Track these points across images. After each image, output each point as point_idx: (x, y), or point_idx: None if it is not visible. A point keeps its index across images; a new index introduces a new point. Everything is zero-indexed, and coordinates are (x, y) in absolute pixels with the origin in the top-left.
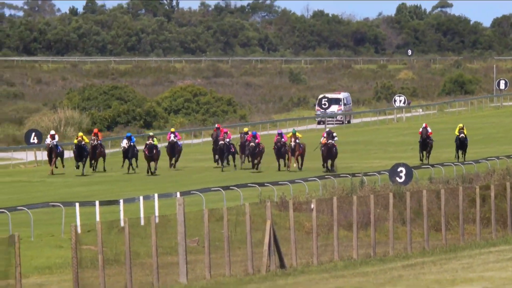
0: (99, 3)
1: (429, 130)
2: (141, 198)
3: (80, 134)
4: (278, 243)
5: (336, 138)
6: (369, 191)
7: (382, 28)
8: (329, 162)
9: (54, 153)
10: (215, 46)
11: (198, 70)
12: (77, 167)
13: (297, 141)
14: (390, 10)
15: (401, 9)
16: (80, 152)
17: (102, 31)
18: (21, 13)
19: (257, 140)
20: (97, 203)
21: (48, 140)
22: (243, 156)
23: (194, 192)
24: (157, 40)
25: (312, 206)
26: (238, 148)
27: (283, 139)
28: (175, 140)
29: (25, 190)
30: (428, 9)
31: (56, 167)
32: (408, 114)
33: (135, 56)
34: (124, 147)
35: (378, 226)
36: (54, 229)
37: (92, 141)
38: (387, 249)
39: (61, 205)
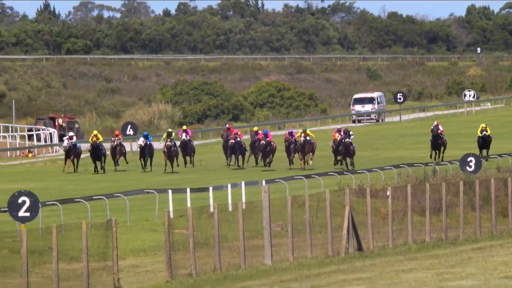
0: (191, 4)
1: (441, 128)
2: (229, 185)
3: (95, 132)
4: (356, 227)
5: (352, 137)
6: (441, 179)
7: (453, 27)
8: (348, 160)
9: (73, 153)
10: (298, 44)
11: (282, 67)
12: (95, 168)
13: (307, 138)
14: (460, 11)
15: (470, 10)
16: (96, 152)
17: (193, 31)
18: (118, 15)
19: (268, 139)
20: (188, 190)
21: (66, 142)
22: (253, 155)
23: (278, 180)
24: (244, 39)
25: (388, 193)
26: (248, 148)
27: (292, 138)
28: (187, 138)
29: (121, 178)
30: (496, 10)
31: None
32: (477, 108)
33: (223, 54)
34: (140, 144)
35: (449, 211)
36: (148, 214)
37: (112, 142)
38: (458, 233)
39: (155, 192)
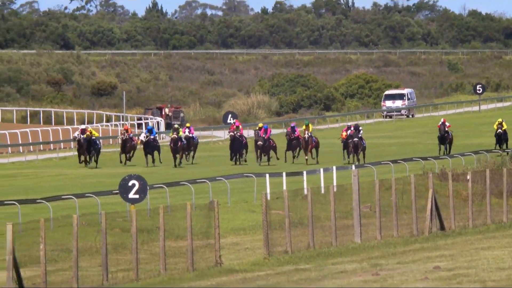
0: (287, 3)
1: (447, 124)
2: (321, 170)
3: (90, 129)
4: (438, 208)
5: (361, 132)
6: None
7: None
8: (360, 154)
9: (85, 146)
10: (385, 40)
11: (370, 60)
12: (86, 161)
13: (310, 133)
14: None
15: None
16: (89, 146)
17: (288, 27)
18: (220, 13)
19: (266, 135)
20: (284, 174)
21: (77, 134)
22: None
23: (366, 165)
24: (335, 35)
25: (468, 177)
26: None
27: (295, 133)
28: (190, 135)
29: (223, 162)
30: None
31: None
32: None
33: (316, 49)
34: (141, 140)
35: None
36: (247, 196)
37: (122, 136)
38: None
39: (253, 176)
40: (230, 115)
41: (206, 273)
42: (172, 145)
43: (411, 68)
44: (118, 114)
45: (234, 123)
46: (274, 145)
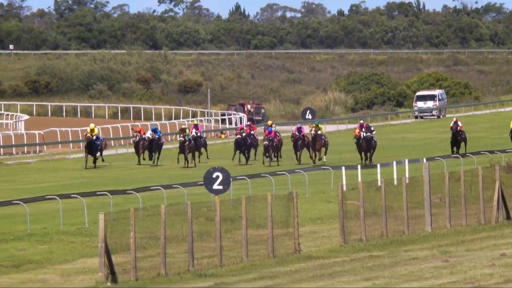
0: (362, 6)
1: (460, 124)
2: (394, 163)
3: (92, 127)
4: (505, 199)
5: (374, 132)
6: None
7: None
8: (368, 154)
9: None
10: (454, 40)
11: (440, 60)
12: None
13: (319, 132)
14: None
15: None
16: (90, 146)
17: (363, 28)
18: (299, 15)
19: (271, 135)
20: (359, 167)
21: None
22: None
23: (437, 158)
24: (407, 36)
25: None
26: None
27: (300, 134)
28: (196, 134)
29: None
30: None
31: (103, 161)
32: None
33: (389, 49)
34: (148, 137)
35: None
36: (324, 187)
37: (134, 138)
38: None
39: (330, 168)
40: (308, 111)
41: (285, 259)
42: (180, 145)
43: (479, 67)
44: (203, 110)
45: (250, 126)
46: (278, 144)
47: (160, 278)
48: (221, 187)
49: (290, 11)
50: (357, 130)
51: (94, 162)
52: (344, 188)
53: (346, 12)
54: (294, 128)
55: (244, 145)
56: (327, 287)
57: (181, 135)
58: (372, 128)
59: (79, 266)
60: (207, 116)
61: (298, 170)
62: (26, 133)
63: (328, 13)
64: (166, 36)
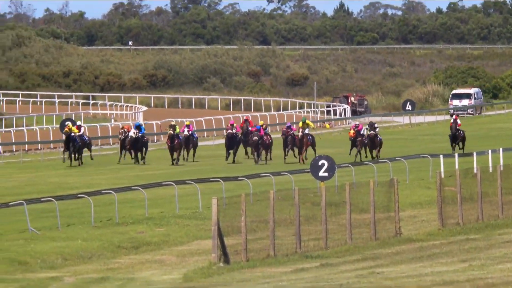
0: (460, 4)
1: (459, 122)
2: (489, 151)
3: (70, 125)
4: None
5: (377, 129)
6: None
7: None
8: (374, 151)
9: (73, 143)
10: None
11: None
12: (64, 159)
13: (306, 131)
14: None
15: None
16: (69, 142)
17: (461, 25)
18: (400, 12)
19: (260, 133)
20: (456, 155)
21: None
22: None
23: None
24: (502, 32)
25: None
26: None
27: (291, 131)
28: (189, 133)
29: (401, 144)
30: None
31: (92, 158)
32: None
33: (485, 44)
34: (131, 136)
35: None
36: (423, 174)
37: (121, 135)
38: None
39: (429, 156)
40: (408, 103)
41: (387, 242)
42: (168, 142)
43: None
44: (310, 102)
45: (246, 120)
46: (268, 142)
47: (269, 259)
48: (326, 174)
49: (391, 8)
50: (352, 131)
51: (78, 159)
52: (442, 175)
53: (444, 9)
54: (284, 126)
55: (234, 142)
56: (426, 268)
57: (169, 133)
58: (376, 126)
59: (194, 248)
60: (313, 107)
61: (399, 158)
62: (144, 123)
63: (427, 11)
64: (275, 32)
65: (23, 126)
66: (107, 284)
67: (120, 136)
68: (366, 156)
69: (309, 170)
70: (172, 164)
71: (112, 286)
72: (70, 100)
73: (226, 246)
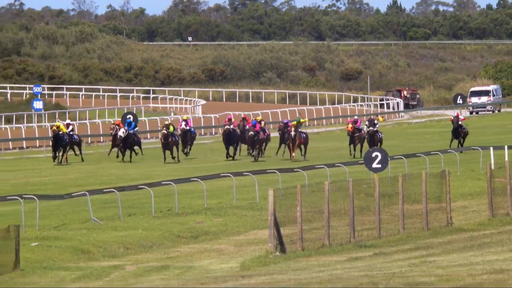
0: (509, 0)
1: (461, 117)
2: None
3: (57, 124)
4: None
5: (377, 126)
6: None
7: None
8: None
9: (69, 141)
10: None
11: None
12: (54, 157)
13: (298, 130)
14: None
15: None
16: (57, 141)
17: (510, 21)
18: (451, 9)
19: (255, 129)
20: (506, 147)
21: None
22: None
23: None
24: None
25: None
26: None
27: (287, 128)
28: (186, 128)
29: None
30: None
31: (77, 155)
32: None
33: None
34: (120, 136)
35: None
36: (474, 166)
37: (112, 131)
38: None
39: (479, 148)
40: (459, 97)
41: (438, 231)
42: (162, 140)
43: None
44: (363, 95)
45: (244, 118)
46: (262, 138)
47: (324, 248)
48: (379, 165)
49: (442, 5)
50: (350, 125)
51: (58, 157)
52: (492, 167)
53: (494, 6)
54: (281, 123)
55: (233, 138)
56: (477, 257)
57: (163, 133)
58: (375, 122)
59: (251, 237)
60: (367, 101)
61: (450, 150)
62: (203, 117)
63: (478, 7)
64: (330, 28)
65: (86, 119)
66: (167, 273)
67: (111, 131)
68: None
69: (362, 161)
70: (164, 162)
71: (172, 274)
72: (131, 94)
73: (282, 235)
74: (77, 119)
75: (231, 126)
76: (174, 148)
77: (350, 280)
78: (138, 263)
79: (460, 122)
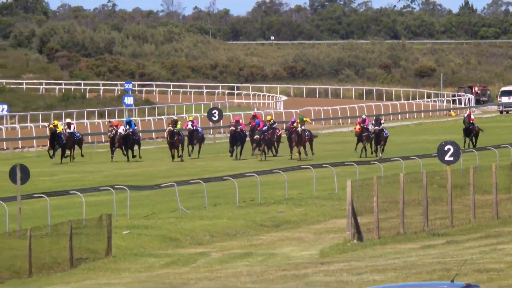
0: None
1: (472, 117)
2: None
3: (55, 122)
4: None
5: (382, 125)
6: None
7: None
8: (379, 147)
9: (71, 141)
10: None
11: None
12: (52, 156)
13: (303, 127)
14: None
15: None
16: (54, 140)
17: None
18: None
19: (260, 127)
20: None
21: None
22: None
23: None
24: None
25: None
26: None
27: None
28: (193, 128)
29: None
30: None
31: (82, 156)
32: None
33: None
34: (120, 133)
35: None
36: None
37: (110, 133)
38: None
39: None
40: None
41: (508, 221)
42: (168, 138)
43: None
44: (436, 91)
45: (255, 116)
46: (270, 138)
47: (399, 236)
48: (452, 158)
49: None
50: (358, 126)
51: (54, 156)
52: None
53: None
54: (289, 122)
55: (239, 139)
56: None
57: (168, 130)
58: (381, 121)
59: (330, 226)
60: (440, 97)
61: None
62: (284, 112)
63: None
64: (405, 28)
65: (174, 114)
66: (250, 259)
67: (109, 134)
68: (372, 152)
69: (435, 154)
70: (172, 160)
71: (255, 261)
72: (216, 91)
73: (360, 224)
74: (166, 114)
75: (239, 128)
76: (180, 147)
77: (423, 267)
78: (223, 250)
79: (471, 121)
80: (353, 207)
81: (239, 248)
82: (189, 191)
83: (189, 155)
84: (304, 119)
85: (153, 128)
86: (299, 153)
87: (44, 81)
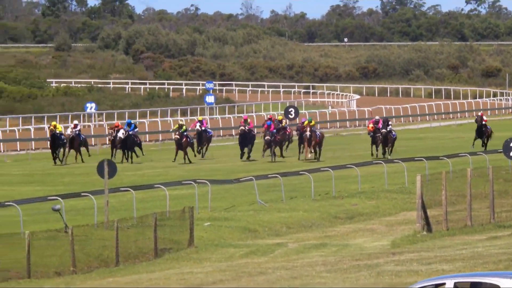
0: None
1: (484, 118)
2: None
3: (54, 123)
4: None
5: (390, 126)
6: None
7: None
8: (386, 148)
9: (77, 142)
10: None
11: None
12: (55, 157)
13: (313, 129)
14: None
15: None
16: (55, 141)
17: None
18: None
19: (270, 129)
20: None
21: (69, 131)
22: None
23: None
24: None
25: None
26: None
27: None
28: (201, 129)
29: None
30: None
31: (89, 155)
32: None
33: None
34: (120, 137)
35: None
36: None
37: (110, 136)
38: None
39: None
40: None
41: None
42: (176, 140)
43: None
44: (502, 91)
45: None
46: (281, 140)
47: (466, 228)
48: None
49: None
50: (371, 125)
51: (58, 157)
52: None
53: None
54: (300, 122)
55: (248, 139)
56: None
57: (177, 133)
58: (389, 123)
59: (400, 218)
60: (505, 96)
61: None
62: (357, 110)
63: None
64: (472, 30)
65: (253, 112)
66: (325, 250)
67: (110, 137)
68: (384, 153)
69: (501, 150)
70: (174, 161)
71: (329, 251)
72: (293, 90)
73: (429, 216)
74: (245, 112)
75: (247, 127)
76: (189, 149)
77: (490, 257)
78: (299, 241)
79: (484, 122)
80: (423, 200)
81: (314, 239)
82: (267, 185)
83: (202, 156)
84: (313, 121)
85: (233, 126)
86: (310, 152)
87: (130, 80)
